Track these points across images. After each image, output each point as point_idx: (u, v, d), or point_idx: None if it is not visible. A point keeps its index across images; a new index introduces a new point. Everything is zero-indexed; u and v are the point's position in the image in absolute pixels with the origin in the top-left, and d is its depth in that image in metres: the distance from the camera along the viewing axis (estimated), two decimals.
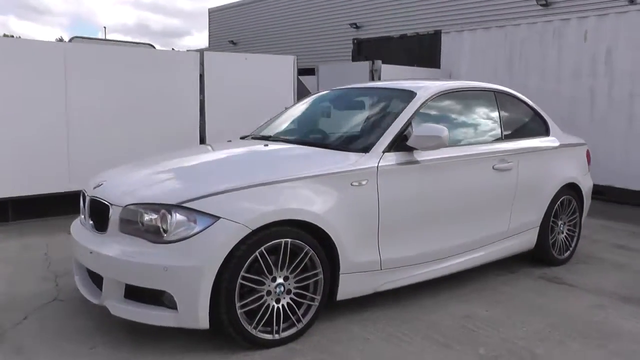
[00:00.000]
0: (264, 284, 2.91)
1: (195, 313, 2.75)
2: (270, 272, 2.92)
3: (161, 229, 2.80)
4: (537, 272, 4.45)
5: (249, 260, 2.82)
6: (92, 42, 8.91)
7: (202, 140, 6.99)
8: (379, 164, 3.37)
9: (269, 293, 2.93)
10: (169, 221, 2.78)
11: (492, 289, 4.04)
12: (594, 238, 5.58)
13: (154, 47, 9.75)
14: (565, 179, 4.61)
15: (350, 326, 3.30)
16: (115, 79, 6.35)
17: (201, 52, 6.94)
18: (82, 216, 3.43)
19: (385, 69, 9.03)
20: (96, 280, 3.18)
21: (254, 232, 2.82)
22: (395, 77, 9.08)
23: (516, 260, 4.58)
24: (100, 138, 6.28)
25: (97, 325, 3.26)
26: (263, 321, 2.92)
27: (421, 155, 3.56)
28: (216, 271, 2.73)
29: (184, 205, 2.79)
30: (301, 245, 2.99)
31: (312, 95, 4.78)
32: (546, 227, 4.48)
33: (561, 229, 4.67)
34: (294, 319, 3.03)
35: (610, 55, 7.34)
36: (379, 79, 9.01)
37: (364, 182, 3.29)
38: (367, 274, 3.33)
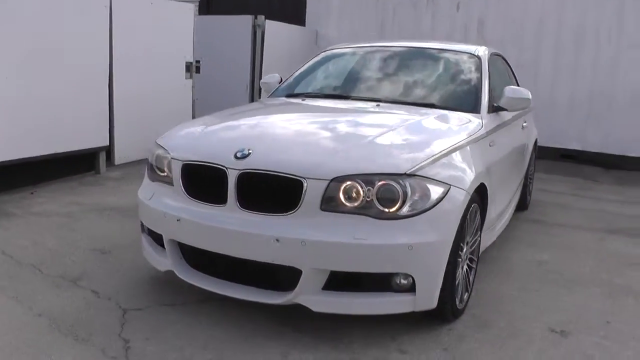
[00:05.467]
0: (463, 250, 2.79)
1: (433, 292, 2.52)
2: (464, 238, 2.82)
3: (389, 203, 2.44)
4: (521, 216, 5.07)
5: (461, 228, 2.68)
6: None
7: (110, 93, 5.86)
8: (494, 125, 3.46)
9: (462, 260, 2.84)
10: (401, 193, 2.43)
11: (516, 234, 4.49)
12: None
13: None
14: (535, 135, 5.31)
15: (480, 286, 3.38)
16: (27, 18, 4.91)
17: None
18: (184, 195, 2.70)
19: (268, 25, 8.67)
20: (232, 274, 2.63)
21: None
22: (278, 33, 8.79)
23: None
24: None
25: (249, 330, 2.71)
26: (461, 290, 2.82)
27: (503, 116, 3.75)
28: (452, 243, 2.54)
29: (417, 174, 2.48)
30: (477, 208, 2.95)
31: (338, 50, 4.42)
32: (526, 177, 5.14)
33: None
34: (467, 284, 2.99)
35: (482, 25, 8.41)
36: (263, 34, 8.63)
37: (492, 144, 3.34)
38: (486, 232, 3.44)
